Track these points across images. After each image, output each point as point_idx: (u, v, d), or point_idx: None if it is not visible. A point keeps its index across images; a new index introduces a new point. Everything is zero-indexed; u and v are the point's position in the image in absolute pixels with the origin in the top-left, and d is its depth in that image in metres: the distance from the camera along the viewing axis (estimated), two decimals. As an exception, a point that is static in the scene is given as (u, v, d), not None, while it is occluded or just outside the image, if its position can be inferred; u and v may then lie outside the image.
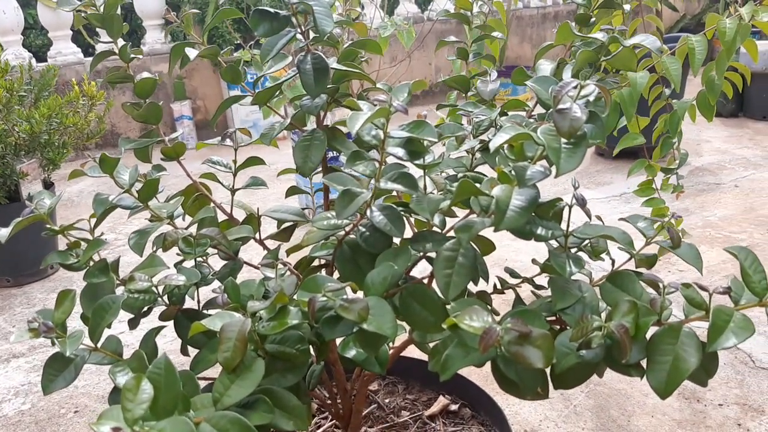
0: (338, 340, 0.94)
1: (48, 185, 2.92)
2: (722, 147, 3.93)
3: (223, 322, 0.66)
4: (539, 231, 0.68)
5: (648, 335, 0.62)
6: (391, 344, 0.95)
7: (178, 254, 0.87)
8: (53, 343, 0.68)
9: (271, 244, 1.01)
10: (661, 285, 0.67)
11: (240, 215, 1.01)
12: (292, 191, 1.11)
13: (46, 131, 2.63)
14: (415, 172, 0.78)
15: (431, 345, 0.76)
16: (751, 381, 1.76)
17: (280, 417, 0.66)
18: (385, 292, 0.70)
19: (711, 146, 3.97)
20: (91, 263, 0.82)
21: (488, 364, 0.66)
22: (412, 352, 1.29)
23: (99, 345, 0.76)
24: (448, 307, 0.71)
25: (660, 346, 0.60)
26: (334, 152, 0.90)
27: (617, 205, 3.11)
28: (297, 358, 0.70)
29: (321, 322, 0.68)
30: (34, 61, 4.70)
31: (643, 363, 0.63)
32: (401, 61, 3.40)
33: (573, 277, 0.72)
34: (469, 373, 1.39)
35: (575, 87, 0.60)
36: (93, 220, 0.87)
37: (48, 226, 0.81)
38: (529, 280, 0.92)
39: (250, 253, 0.96)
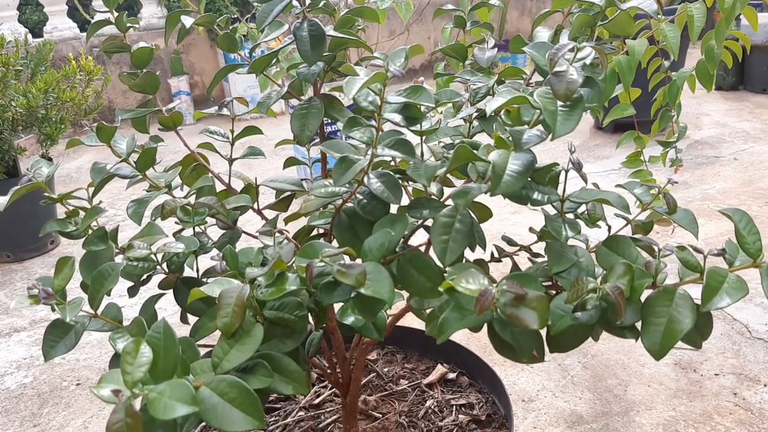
0: (336, 309, 0.95)
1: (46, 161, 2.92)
2: (722, 120, 3.92)
3: (221, 288, 0.66)
4: (535, 196, 0.68)
5: (643, 298, 0.63)
6: (388, 311, 0.95)
7: (176, 223, 0.87)
8: (53, 310, 0.69)
9: (270, 214, 1.01)
10: (656, 248, 0.67)
11: (238, 186, 1.01)
12: (290, 162, 1.11)
13: (43, 106, 2.62)
14: (413, 140, 0.78)
15: (428, 311, 0.77)
16: (747, 351, 1.77)
17: (279, 381, 0.67)
18: (382, 258, 0.71)
19: (711, 119, 3.96)
20: (90, 232, 0.82)
21: (485, 332, 0.67)
22: (411, 322, 1.30)
23: (99, 312, 0.76)
24: (445, 274, 0.71)
25: (654, 308, 0.60)
26: (334, 124, 0.90)
27: (616, 179, 3.11)
28: (295, 324, 0.70)
29: (319, 287, 0.69)
30: (30, 36, 4.67)
31: (638, 326, 0.64)
32: (399, 34, 3.38)
33: (569, 243, 0.72)
34: (468, 342, 1.40)
35: (571, 50, 0.60)
36: (91, 190, 0.88)
37: (46, 194, 0.81)
38: (526, 248, 0.92)
39: (249, 228, 0.97)
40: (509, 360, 0.69)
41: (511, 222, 2.65)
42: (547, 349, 0.68)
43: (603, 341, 1.81)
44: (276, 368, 0.67)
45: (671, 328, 0.59)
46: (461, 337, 1.69)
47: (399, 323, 1.01)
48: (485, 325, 0.65)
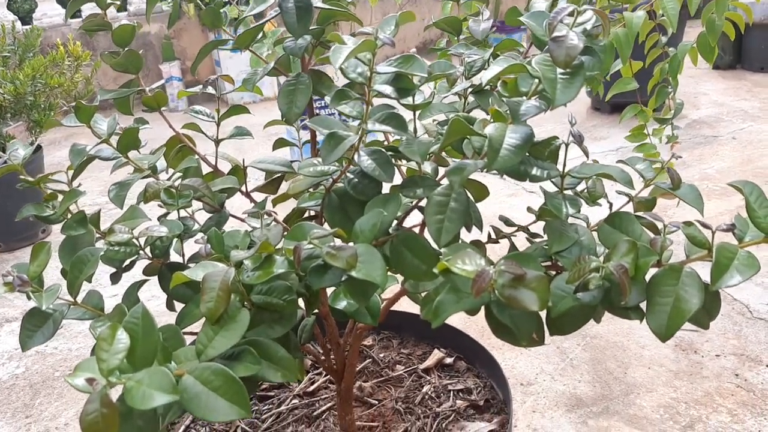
0: (329, 293, 0.92)
1: (35, 149, 2.88)
2: (720, 99, 3.89)
3: (205, 271, 0.63)
4: (534, 171, 0.65)
5: (648, 277, 0.60)
6: (382, 295, 0.92)
7: (160, 206, 0.83)
8: (29, 298, 0.66)
9: (259, 198, 0.98)
10: (661, 225, 0.64)
11: (226, 168, 0.98)
12: (280, 143, 1.07)
13: (31, 93, 2.58)
14: (405, 116, 0.75)
15: (423, 294, 0.74)
16: (748, 331, 1.75)
17: (268, 368, 0.64)
18: (374, 240, 0.67)
19: (708, 99, 3.92)
20: (69, 216, 0.79)
21: (482, 316, 0.64)
22: (407, 307, 1.28)
23: (79, 299, 0.73)
24: (440, 256, 0.68)
25: (660, 288, 0.57)
26: (327, 108, 0.86)
27: (613, 160, 3.08)
28: (284, 309, 0.67)
29: (308, 270, 0.65)
30: (19, 23, 4.61)
31: (643, 306, 0.61)
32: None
33: (569, 221, 0.69)
34: (466, 326, 1.38)
35: (571, 13, 0.56)
36: (71, 173, 0.84)
37: (22, 176, 0.77)
38: (524, 228, 0.89)
39: (238, 214, 0.94)
40: (507, 343, 0.66)
41: (508, 205, 2.62)
42: (546, 332, 0.65)
43: (602, 323, 1.79)
44: (264, 355, 0.64)
45: (678, 308, 0.56)
46: (458, 321, 1.66)
47: (394, 308, 0.98)
48: (482, 308, 0.62)
